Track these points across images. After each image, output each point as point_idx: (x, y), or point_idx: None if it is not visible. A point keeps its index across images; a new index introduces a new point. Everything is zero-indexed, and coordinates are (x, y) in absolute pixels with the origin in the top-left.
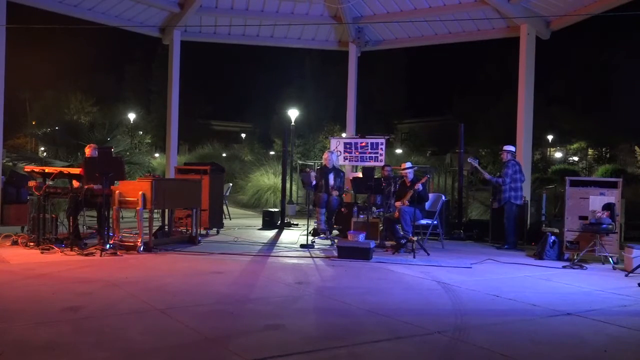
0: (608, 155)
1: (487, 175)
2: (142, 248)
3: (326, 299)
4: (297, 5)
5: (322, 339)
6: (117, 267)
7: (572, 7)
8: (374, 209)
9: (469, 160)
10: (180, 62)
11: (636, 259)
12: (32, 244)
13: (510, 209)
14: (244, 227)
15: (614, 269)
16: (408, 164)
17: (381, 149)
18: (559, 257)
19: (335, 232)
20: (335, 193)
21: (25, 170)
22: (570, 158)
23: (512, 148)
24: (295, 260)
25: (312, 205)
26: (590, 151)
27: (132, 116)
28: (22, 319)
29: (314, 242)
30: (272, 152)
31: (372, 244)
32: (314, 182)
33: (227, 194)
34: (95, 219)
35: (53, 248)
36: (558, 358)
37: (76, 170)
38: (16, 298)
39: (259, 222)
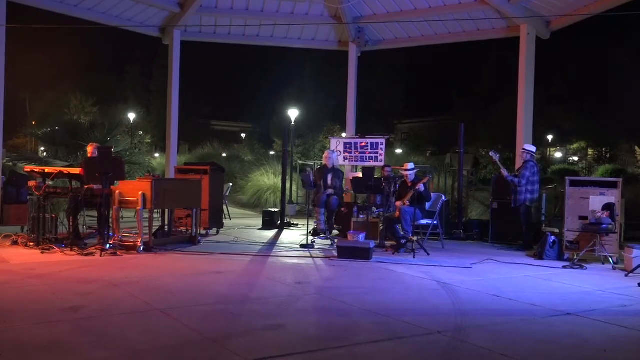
0: (608, 155)
1: (505, 173)
2: (142, 248)
3: (326, 299)
4: (297, 5)
5: (322, 339)
6: (117, 267)
7: (572, 7)
8: (374, 209)
9: (491, 153)
10: (181, 62)
11: (636, 259)
12: (32, 244)
13: (525, 211)
14: (244, 227)
15: (614, 269)
16: (411, 165)
17: (381, 149)
18: (559, 257)
19: (335, 232)
20: (329, 191)
21: (25, 170)
22: (571, 158)
23: (532, 148)
24: (295, 260)
25: (312, 205)
26: (590, 151)
27: (132, 116)
28: (22, 319)
29: (314, 242)
30: (272, 152)
31: (372, 244)
32: (311, 178)
33: (227, 194)
34: (95, 219)
35: (53, 248)
36: (558, 358)
37: (76, 170)
38: (16, 298)
39: (259, 222)
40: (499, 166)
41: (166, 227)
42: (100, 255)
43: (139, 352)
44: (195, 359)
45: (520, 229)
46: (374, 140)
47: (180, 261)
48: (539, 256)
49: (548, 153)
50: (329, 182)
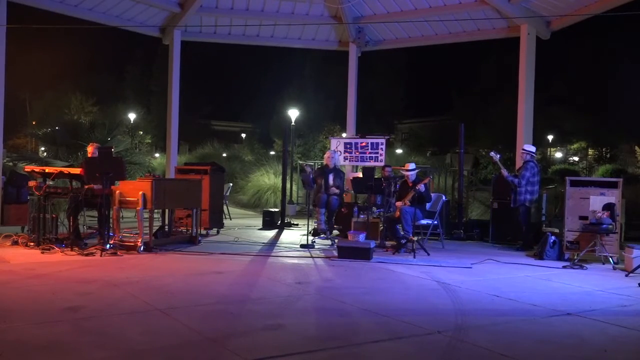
0: (608, 155)
1: (505, 173)
2: (142, 248)
3: (326, 299)
4: (298, 5)
5: (322, 339)
6: (117, 267)
7: (572, 7)
8: (374, 209)
9: (491, 154)
10: (181, 62)
11: (636, 259)
12: (32, 244)
13: (525, 211)
14: (244, 227)
15: (614, 269)
16: (412, 165)
17: (381, 149)
18: (559, 257)
19: (335, 232)
20: (333, 190)
21: (26, 170)
22: (571, 158)
23: (532, 148)
24: (295, 260)
25: (312, 205)
26: (590, 151)
27: (132, 116)
28: (22, 319)
29: (314, 242)
30: (272, 152)
31: (372, 244)
32: (311, 176)
33: (227, 194)
34: (96, 219)
35: (53, 248)
36: (558, 358)
37: (76, 170)
38: (16, 298)
39: (259, 222)
40: (499, 166)
41: (166, 227)
42: (101, 255)
43: (139, 352)
44: (195, 359)
45: (520, 229)
46: (374, 140)
47: (181, 261)
48: (539, 256)
49: (548, 153)
50: (331, 182)
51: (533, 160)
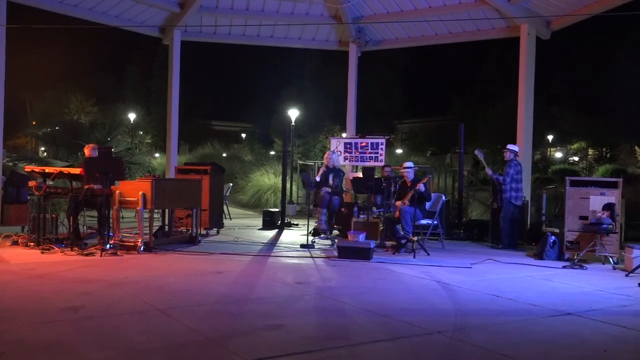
0: (608, 155)
1: (489, 171)
2: (142, 248)
3: (326, 299)
4: (297, 5)
5: (322, 339)
6: (117, 267)
7: (572, 7)
8: (374, 209)
9: (476, 152)
10: (181, 62)
11: (636, 259)
12: (32, 244)
13: (508, 209)
14: (244, 227)
15: (614, 269)
16: (408, 164)
17: (381, 149)
18: (559, 257)
19: (335, 232)
20: (327, 189)
21: (26, 170)
22: (571, 158)
23: (515, 148)
24: (295, 260)
25: (312, 205)
26: (590, 151)
27: (132, 116)
28: (22, 319)
29: (314, 242)
30: (272, 152)
31: (372, 244)
32: (318, 179)
33: (228, 194)
34: (96, 219)
35: (53, 248)
36: (558, 358)
37: (76, 170)
38: (16, 298)
39: (259, 222)
40: (484, 165)
41: (166, 227)
42: (101, 255)
43: (139, 352)
44: (195, 358)
45: (518, 229)
46: (374, 140)
47: (181, 261)
48: (539, 256)
49: (548, 153)
50: (330, 182)
51: (516, 159)
